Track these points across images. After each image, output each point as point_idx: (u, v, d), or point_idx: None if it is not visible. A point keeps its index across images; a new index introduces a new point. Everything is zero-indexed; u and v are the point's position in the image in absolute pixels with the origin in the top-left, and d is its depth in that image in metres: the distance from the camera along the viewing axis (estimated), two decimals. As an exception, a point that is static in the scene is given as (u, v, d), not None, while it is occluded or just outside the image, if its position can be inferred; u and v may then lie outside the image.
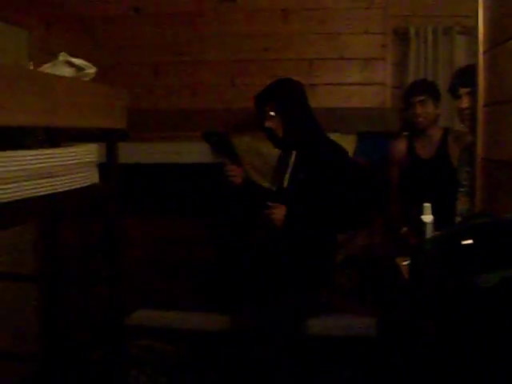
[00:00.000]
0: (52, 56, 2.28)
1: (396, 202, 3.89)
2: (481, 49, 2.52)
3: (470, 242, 1.54)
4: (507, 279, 1.34)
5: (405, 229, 3.36)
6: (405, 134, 3.97)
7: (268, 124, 3.28)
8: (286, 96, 3.28)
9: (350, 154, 3.92)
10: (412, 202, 3.50)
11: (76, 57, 2.28)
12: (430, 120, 3.64)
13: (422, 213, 2.48)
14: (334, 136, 3.90)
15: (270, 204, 3.16)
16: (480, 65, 2.52)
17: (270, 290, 3.28)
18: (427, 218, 2.43)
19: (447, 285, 1.48)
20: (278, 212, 3.15)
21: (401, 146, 3.83)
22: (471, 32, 3.43)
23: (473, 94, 2.77)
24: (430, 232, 2.41)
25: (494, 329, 1.32)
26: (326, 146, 3.30)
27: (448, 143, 3.63)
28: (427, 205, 2.46)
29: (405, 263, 2.43)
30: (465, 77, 3.03)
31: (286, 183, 3.32)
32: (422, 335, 1.69)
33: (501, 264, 1.42)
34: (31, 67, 2.24)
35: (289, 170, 3.29)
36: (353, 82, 4.39)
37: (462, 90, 3.04)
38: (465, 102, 2.98)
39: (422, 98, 3.63)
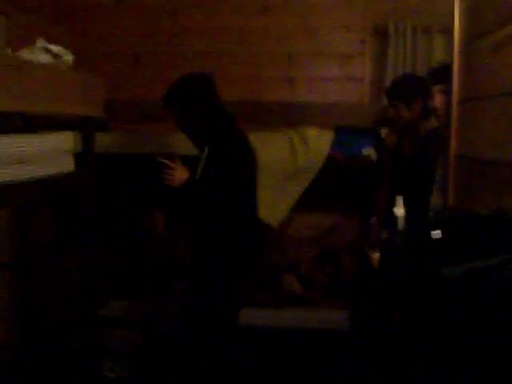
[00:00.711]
0: (31, 42, 2.28)
1: (384, 193, 3.82)
2: (456, 47, 2.55)
3: (438, 234, 1.57)
4: (471, 271, 1.37)
5: (374, 219, 3.36)
6: (382, 129, 3.99)
7: (175, 125, 3.32)
8: (180, 97, 3.25)
9: (327, 148, 3.94)
10: (391, 194, 3.49)
11: (54, 44, 2.28)
12: (406, 121, 3.56)
13: (394, 205, 2.52)
14: (311, 130, 3.94)
15: (171, 165, 3.13)
16: (455, 63, 2.55)
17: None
18: (399, 211, 2.46)
19: (415, 276, 1.51)
20: (179, 174, 3.13)
21: (392, 137, 3.78)
22: (449, 31, 3.47)
23: (444, 92, 2.80)
24: (401, 225, 2.44)
25: (458, 319, 1.35)
26: (231, 142, 3.30)
27: (432, 141, 3.57)
28: (399, 198, 2.49)
29: (376, 256, 2.46)
30: (435, 76, 3.04)
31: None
32: (391, 325, 1.72)
33: (467, 256, 1.45)
34: (9, 53, 2.23)
35: (201, 166, 3.30)
36: (331, 77, 4.41)
37: (434, 89, 3.06)
38: (437, 101, 3.00)
39: (392, 102, 3.57)
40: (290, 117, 3.97)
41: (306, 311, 3.93)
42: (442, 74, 2.84)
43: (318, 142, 3.91)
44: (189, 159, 3.95)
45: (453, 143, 2.59)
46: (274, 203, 3.96)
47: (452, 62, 2.58)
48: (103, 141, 3.63)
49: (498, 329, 1.30)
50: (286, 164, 3.93)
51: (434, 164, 3.05)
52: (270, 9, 4.39)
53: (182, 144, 4.01)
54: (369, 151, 3.97)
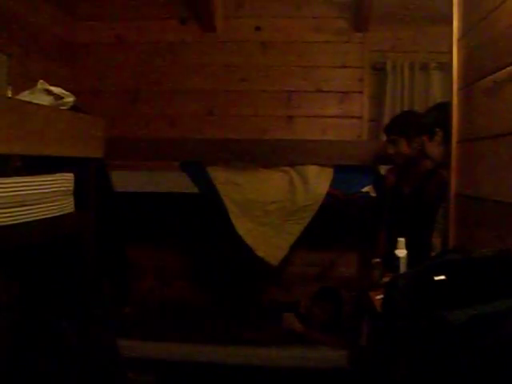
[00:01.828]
0: (31, 81, 2.29)
1: (384, 232, 3.77)
2: (455, 86, 2.56)
3: (441, 278, 1.56)
4: (476, 316, 1.35)
5: (377, 260, 3.34)
6: (381, 166, 3.99)
7: None
8: None
9: (327, 186, 3.94)
10: (391, 235, 3.45)
11: (55, 84, 2.29)
12: (406, 158, 3.54)
13: (396, 247, 2.50)
14: (311, 168, 3.93)
15: None
16: (454, 102, 2.56)
17: None
18: (401, 252, 2.45)
19: (419, 321, 1.49)
20: None
21: (391, 176, 3.75)
22: (447, 68, 3.49)
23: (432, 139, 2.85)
24: (403, 266, 2.43)
25: (462, 365, 1.33)
26: None
27: (431, 179, 3.53)
28: (401, 239, 2.48)
29: (378, 297, 2.44)
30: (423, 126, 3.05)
31: None
32: (395, 370, 1.69)
33: (471, 300, 1.44)
34: (10, 92, 2.24)
35: None
36: (330, 115, 4.44)
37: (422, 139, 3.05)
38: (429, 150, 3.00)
39: (392, 138, 3.56)
40: (290, 155, 3.97)
41: (306, 350, 3.89)
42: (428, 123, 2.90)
43: (318, 180, 3.90)
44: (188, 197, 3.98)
45: (453, 182, 2.59)
46: (273, 241, 3.95)
47: (451, 101, 2.59)
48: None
49: (504, 377, 1.28)
50: (285, 203, 3.92)
51: (433, 203, 3.04)
52: (268, 47, 4.43)
53: (182, 182, 4.03)
54: (368, 188, 3.97)
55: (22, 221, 2.00)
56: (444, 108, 2.79)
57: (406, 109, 4.24)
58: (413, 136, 3.41)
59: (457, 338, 1.36)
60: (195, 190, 3.99)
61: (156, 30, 4.53)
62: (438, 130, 2.87)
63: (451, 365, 1.37)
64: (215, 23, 4.45)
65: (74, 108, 2.43)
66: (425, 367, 1.47)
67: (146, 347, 3.87)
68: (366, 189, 3.97)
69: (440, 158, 2.87)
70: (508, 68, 1.98)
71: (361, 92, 4.44)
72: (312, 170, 3.93)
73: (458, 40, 2.55)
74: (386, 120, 4.26)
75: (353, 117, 4.43)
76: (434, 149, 2.92)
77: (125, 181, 3.96)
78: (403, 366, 1.61)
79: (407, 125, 3.50)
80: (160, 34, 4.53)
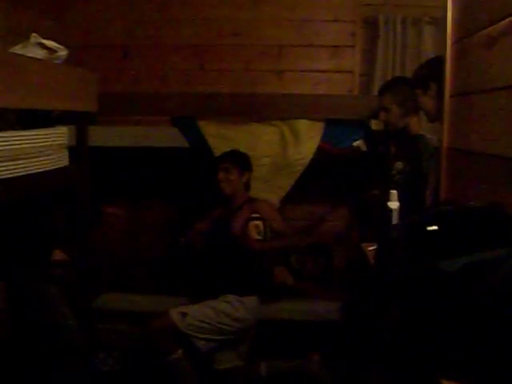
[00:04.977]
0: (19, 36, 2.27)
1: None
2: (449, 40, 2.56)
3: (434, 228, 1.59)
4: (469, 265, 1.38)
5: (376, 191, 3.33)
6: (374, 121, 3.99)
7: None
8: None
9: (318, 140, 3.95)
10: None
11: (46, 38, 2.27)
12: (395, 126, 3.45)
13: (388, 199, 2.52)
14: (302, 122, 3.93)
15: None
16: (448, 56, 2.56)
17: None
18: (393, 204, 2.47)
19: (411, 270, 1.52)
20: None
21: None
22: (439, 23, 3.47)
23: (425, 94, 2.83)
24: (395, 218, 2.45)
25: (455, 312, 1.36)
26: None
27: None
28: (393, 191, 2.50)
29: (371, 248, 2.48)
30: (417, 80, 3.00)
31: None
32: (386, 319, 1.73)
33: (463, 250, 1.47)
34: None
35: None
36: (321, 69, 4.42)
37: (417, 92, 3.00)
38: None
39: (386, 105, 3.45)
40: (280, 109, 3.96)
41: (297, 302, 3.95)
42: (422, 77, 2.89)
43: (309, 134, 3.91)
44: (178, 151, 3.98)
45: (445, 136, 2.60)
46: (264, 195, 3.97)
47: (444, 55, 2.58)
48: (92, 134, 3.61)
49: (496, 323, 1.31)
50: (276, 157, 3.94)
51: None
52: (260, 1, 4.38)
53: (171, 136, 4.03)
54: (359, 143, 3.99)
55: (17, 175, 2.01)
56: (437, 62, 2.78)
57: (397, 63, 4.23)
58: (404, 102, 3.36)
59: (450, 285, 1.39)
60: (186, 144, 3.99)
61: (145, -18, 4.47)
62: (431, 83, 2.85)
63: (443, 312, 1.41)
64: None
65: None
66: (417, 315, 1.50)
67: (136, 300, 3.94)
68: (356, 143, 3.98)
69: (434, 111, 2.86)
70: (503, 21, 1.98)
71: (353, 46, 4.42)
72: (303, 125, 3.93)
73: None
74: (378, 75, 4.27)
75: (344, 71, 4.42)
76: (428, 103, 2.90)
77: (115, 136, 3.96)
78: (396, 314, 1.65)
79: (400, 92, 3.40)
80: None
